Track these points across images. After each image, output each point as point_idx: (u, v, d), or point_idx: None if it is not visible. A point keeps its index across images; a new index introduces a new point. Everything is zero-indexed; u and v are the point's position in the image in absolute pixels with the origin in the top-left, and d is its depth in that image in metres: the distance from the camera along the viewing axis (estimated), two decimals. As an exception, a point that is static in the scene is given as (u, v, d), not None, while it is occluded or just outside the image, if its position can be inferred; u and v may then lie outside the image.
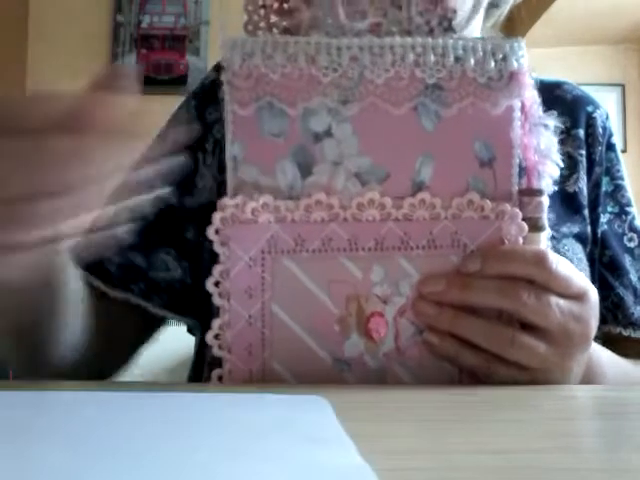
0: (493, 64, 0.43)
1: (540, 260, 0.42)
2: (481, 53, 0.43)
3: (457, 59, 0.43)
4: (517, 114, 0.44)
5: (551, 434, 0.34)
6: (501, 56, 0.43)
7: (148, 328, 0.66)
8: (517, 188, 0.44)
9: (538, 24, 2.90)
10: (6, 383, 0.45)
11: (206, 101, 0.64)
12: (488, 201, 0.43)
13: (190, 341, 0.67)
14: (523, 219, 0.44)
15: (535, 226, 0.44)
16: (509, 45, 0.43)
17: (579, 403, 0.43)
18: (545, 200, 0.45)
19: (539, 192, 0.44)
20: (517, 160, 0.44)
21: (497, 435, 0.33)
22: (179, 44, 2.87)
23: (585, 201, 0.67)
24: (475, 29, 0.63)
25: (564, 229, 0.64)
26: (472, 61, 0.43)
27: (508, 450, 0.31)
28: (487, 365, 0.43)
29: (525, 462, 0.29)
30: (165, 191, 0.40)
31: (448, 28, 0.44)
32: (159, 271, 0.62)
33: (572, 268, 0.43)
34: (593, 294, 0.44)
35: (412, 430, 0.34)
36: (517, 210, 0.44)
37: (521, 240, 0.44)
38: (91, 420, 0.32)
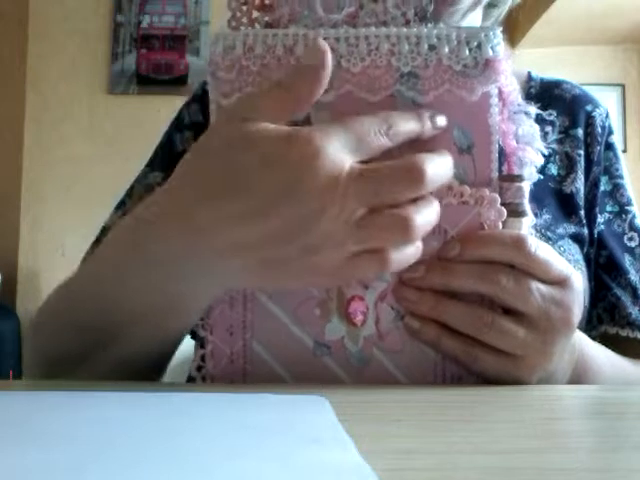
0: (467, 52, 0.43)
1: (518, 244, 0.42)
2: (455, 42, 0.43)
3: (431, 47, 0.43)
4: (494, 100, 0.44)
5: (550, 434, 0.34)
6: (476, 44, 0.43)
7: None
8: (497, 174, 0.44)
9: (538, 24, 2.90)
10: (6, 383, 0.45)
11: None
12: (467, 187, 0.44)
13: (190, 342, 0.67)
14: (503, 204, 0.44)
15: (515, 211, 0.44)
16: (484, 33, 0.43)
17: (578, 403, 0.43)
18: (526, 186, 0.45)
19: (518, 177, 0.44)
20: (496, 146, 0.44)
21: (497, 435, 0.33)
22: (179, 44, 2.87)
23: (582, 202, 0.66)
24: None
25: (560, 230, 0.64)
26: (446, 49, 0.43)
27: (508, 450, 0.31)
28: (468, 350, 0.43)
29: (524, 462, 0.29)
30: None
31: (424, 18, 0.45)
32: None
33: (553, 253, 0.43)
34: (576, 280, 0.44)
35: (412, 430, 0.34)
36: (496, 195, 0.44)
37: (501, 225, 0.44)
38: (90, 420, 0.32)
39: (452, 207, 0.44)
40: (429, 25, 0.44)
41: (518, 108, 0.45)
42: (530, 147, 0.45)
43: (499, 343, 0.42)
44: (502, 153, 0.45)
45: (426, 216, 0.40)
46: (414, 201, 0.40)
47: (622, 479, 0.28)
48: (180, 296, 0.43)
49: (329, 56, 0.41)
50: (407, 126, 0.41)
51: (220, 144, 0.40)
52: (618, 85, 3.37)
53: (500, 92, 0.44)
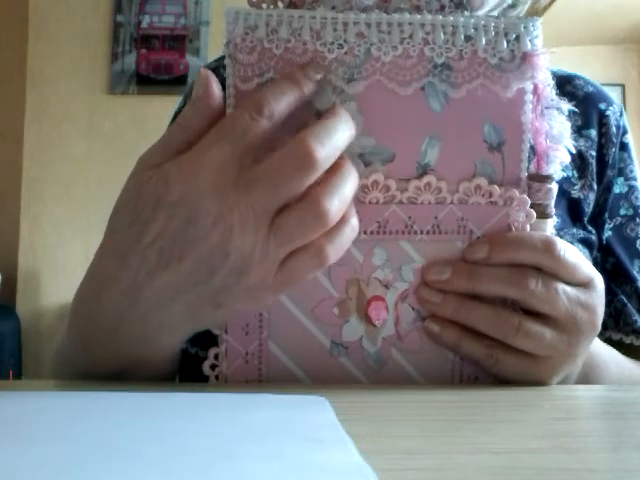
0: (505, 44, 0.41)
1: (548, 247, 0.42)
2: (493, 33, 0.41)
3: (468, 38, 0.41)
4: (529, 97, 0.42)
5: (551, 434, 0.34)
6: (514, 36, 0.41)
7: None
8: (526, 174, 0.43)
9: (538, 24, 2.90)
10: (6, 383, 0.45)
11: None
12: (496, 187, 0.42)
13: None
14: (531, 205, 0.43)
15: (543, 213, 0.43)
16: (523, 25, 0.41)
17: (579, 403, 0.43)
18: (554, 186, 0.43)
19: (549, 178, 0.43)
20: (527, 145, 0.43)
21: (497, 435, 0.33)
22: (179, 44, 2.87)
23: (589, 208, 0.65)
24: None
25: (569, 234, 0.63)
26: (483, 41, 0.41)
27: (508, 450, 0.31)
28: (490, 353, 0.42)
29: (525, 462, 0.29)
30: None
31: (460, 4, 0.42)
32: None
33: (579, 255, 0.43)
34: (599, 282, 0.44)
35: (412, 430, 0.34)
36: (526, 197, 0.43)
37: (528, 227, 0.43)
38: (91, 420, 0.32)
39: (479, 207, 0.43)
40: (465, 13, 0.42)
41: (550, 103, 0.43)
42: (560, 145, 0.43)
43: (525, 345, 0.42)
44: (531, 151, 0.43)
45: (341, 192, 0.38)
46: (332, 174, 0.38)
47: (623, 479, 0.28)
48: (148, 350, 0.42)
49: (213, 84, 0.39)
50: (282, 96, 0.39)
51: (125, 197, 0.39)
52: (618, 85, 3.38)
53: (535, 88, 0.42)
